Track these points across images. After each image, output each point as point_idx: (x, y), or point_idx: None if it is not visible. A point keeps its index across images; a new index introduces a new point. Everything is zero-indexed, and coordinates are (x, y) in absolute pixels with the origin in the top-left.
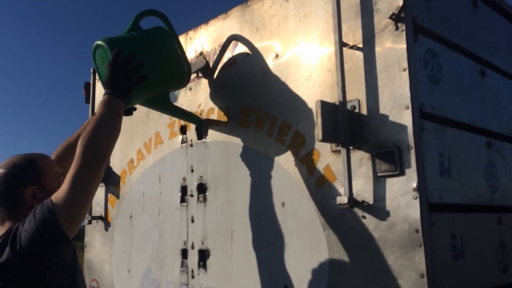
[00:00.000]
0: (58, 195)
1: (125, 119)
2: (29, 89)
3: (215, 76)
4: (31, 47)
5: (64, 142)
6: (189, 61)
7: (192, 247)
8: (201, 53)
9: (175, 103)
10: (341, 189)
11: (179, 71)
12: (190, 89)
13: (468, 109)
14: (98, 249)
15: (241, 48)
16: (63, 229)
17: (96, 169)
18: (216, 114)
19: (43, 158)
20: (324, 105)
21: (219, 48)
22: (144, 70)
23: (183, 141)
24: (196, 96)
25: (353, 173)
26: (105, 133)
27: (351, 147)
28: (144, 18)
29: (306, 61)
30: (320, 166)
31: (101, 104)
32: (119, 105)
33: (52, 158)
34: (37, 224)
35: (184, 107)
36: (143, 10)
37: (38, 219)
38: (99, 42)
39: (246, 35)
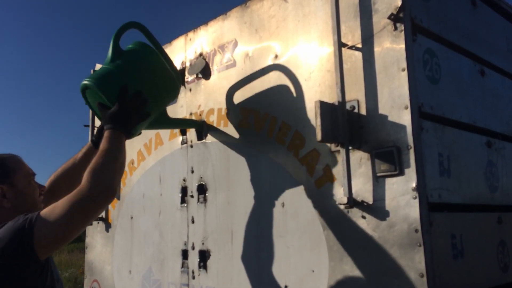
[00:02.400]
0: (49, 215)
1: None
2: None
3: (214, 77)
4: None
5: (62, 167)
6: (191, 62)
7: (193, 248)
8: (200, 54)
9: (174, 104)
10: (341, 189)
11: (172, 85)
12: (190, 90)
13: (467, 109)
14: (99, 250)
15: (240, 49)
16: (33, 247)
17: (103, 203)
18: (216, 115)
19: (13, 157)
20: (323, 105)
21: (219, 49)
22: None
23: (183, 142)
24: (195, 97)
25: (352, 173)
26: (115, 169)
27: (350, 147)
28: (124, 33)
29: (305, 62)
30: (320, 166)
31: (108, 138)
32: (124, 140)
33: (50, 181)
34: (10, 231)
35: (184, 108)
36: (120, 27)
37: (14, 226)
38: (87, 83)
39: (245, 36)
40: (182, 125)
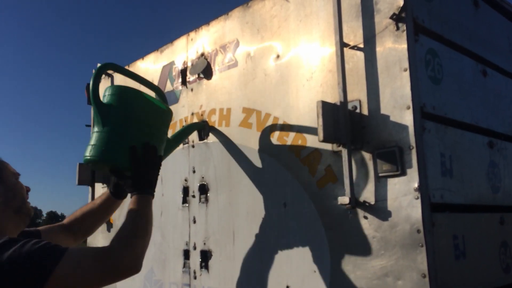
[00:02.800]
0: (77, 259)
1: None
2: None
3: (216, 76)
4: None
5: (80, 209)
6: (192, 62)
7: (194, 248)
8: (202, 54)
9: (176, 104)
10: (343, 189)
11: (164, 114)
12: (192, 90)
13: (469, 109)
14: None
15: (242, 49)
16: (47, 279)
17: (127, 276)
18: (218, 115)
19: None
20: (325, 105)
21: (221, 49)
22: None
23: (184, 142)
24: (197, 97)
25: (354, 174)
26: (145, 241)
27: (352, 148)
28: (99, 84)
29: (307, 62)
30: (322, 166)
31: (136, 203)
32: (151, 202)
33: (70, 219)
34: (34, 256)
35: (186, 108)
36: (92, 82)
37: (41, 252)
38: (92, 159)
39: (247, 36)
40: (186, 134)
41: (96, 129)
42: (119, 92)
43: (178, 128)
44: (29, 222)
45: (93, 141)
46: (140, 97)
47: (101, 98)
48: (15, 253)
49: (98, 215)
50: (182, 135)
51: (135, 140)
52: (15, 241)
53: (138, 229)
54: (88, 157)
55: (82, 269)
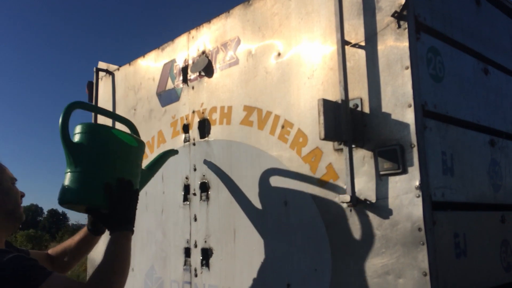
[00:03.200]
0: (57, 284)
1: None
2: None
3: (217, 74)
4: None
5: (62, 245)
6: (193, 60)
7: (195, 246)
8: (203, 52)
9: (177, 102)
10: (344, 187)
11: (138, 146)
12: (193, 88)
13: (471, 107)
14: (101, 247)
15: (243, 47)
16: None
17: None
18: (219, 112)
19: None
20: (326, 103)
21: (222, 47)
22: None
23: (185, 140)
24: (198, 95)
25: (355, 172)
26: (123, 275)
27: (353, 146)
28: (68, 124)
29: (308, 60)
30: (323, 164)
31: (115, 241)
32: (131, 237)
33: (51, 253)
34: (13, 273)
35: (187, 106)
36: (61, 123)
37: (19, 270)
38: (68, 199)
39: (248, 33)
40: (160, 164)
41: (68, 169)
42: (89, 130)
43: (179, 125)
44: (19, 226)
45: (66, 182)
46: (111, 134)
47: (72, 136)
48: (3, 265)
49: (76, 252)
50: (157, 165)
51: (108, 177)
52: (5, 252)
53: (115, 267)
54: (63, 200)
55: None
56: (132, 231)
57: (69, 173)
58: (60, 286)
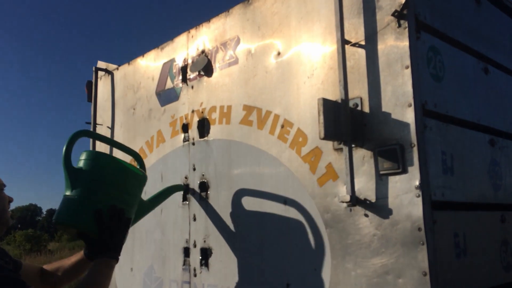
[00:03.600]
0: None
1: (127, 118)
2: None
3: (217, 74)
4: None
5: (57, 263)
6: (193, 59)
7: (194, 246)
8: (203, 51)
9: (176, 102)
10: (343, 187)
11: (138, 178)
12: (192, 87)
13: (471, 107)
14: None
15: (243, 46)
16: None
17: None
18: (218, 112)
19: None
20: (326, 103)
21: (221, 46)
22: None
23: (185, 140)
24: (197, 95)
25: (355, 171)
26: None
27: (353, 145)
28: (71, 151)
29: (308, 59)
30: (322, 164)
31: (97, 267)
32: (114, 265)
33: (45, 268)
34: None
35: (186, 105)
36: (65, 148)
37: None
38: (62, 221)
39: (248, 33)
40: (163, 198)
41: (66, 192)
42: (91, 157)
43: (178, 124)
44: (5, 230)
45: (61, 204)
46: (112, 162)
47: (77, 162)
48: None
49: (70, 272)
50: (159, 198)
51: (102, 204)
52: None
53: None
54: (56, 221)
55: None
56: (116, 260)
57: (65, 197)
58: None
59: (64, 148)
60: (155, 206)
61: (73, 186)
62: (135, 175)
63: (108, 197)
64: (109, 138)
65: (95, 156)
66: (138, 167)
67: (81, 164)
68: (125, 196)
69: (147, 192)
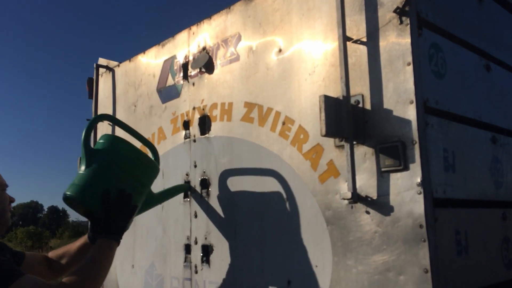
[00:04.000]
0: (31, 281)
1: (128, 115)
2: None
3: (218, 71)
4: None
5: (61, 249)
6: (194, 56)
7: (196, 243)
8: (204, 48)
9: (177, 99)
10: (345, 184)
11: (150, 167)
12: (193, 84)
13: (473, 104)
14: None
15: (244, 43)
16: None
17: None
18: (219, 109)
19: None
20: (327, 99)
21: (222, 43)
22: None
23: (186, 137)
24: (199, 91)
25: (356, 168)
26: (100, 280)
27: (354, 142)
28: (92, 131)
29: (309, 56)
30: (324, 161)
31: (99, 247)
32: (116, 248)
33: (50, 256)
34: None
35: (187, 102)
36: (86, 127)
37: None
38: (70, 195)
39: (249, 30)
40: (170, 195)
41: (81, 169)
42: (109, 140)
43: (179, 121)
44: (5, 230)
45: (75, 180)
46: (128, 148)
47: (96, 144)
48: None
49: (75, 257)
50: (167, 194)
51: (111, 185)
52: None
53: (91, 273)
54: (66, 195)
55: None
56: (118, 243)
57: (80, 173)
58: (28, 286)
59: (85, 128)
60: (162, 201)
61: (87, 164)
62: (149, 165)
63: (119, 180)
64: (129, 126)
65: (113, 140)
66: (152, 158)
67: (99, 145)
68: (136, 184)
69: None
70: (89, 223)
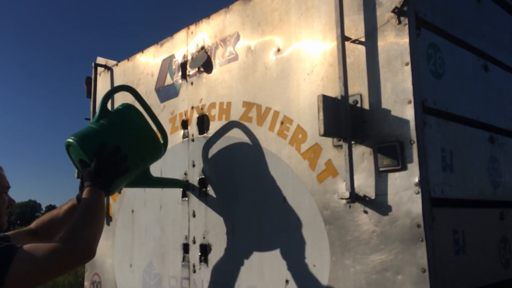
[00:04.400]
0: (30, 253)
1: None
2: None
3: (216, 70)
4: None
5: (48, 214)
6: (192, 56)
7: (194, 242)
8: (202, 48)
9: (176, 98)
10: (343, 183)
11: (156, 147)
12: (192, 83)
13: (471, 104)
14: (99, 243)
15: (243, 43)
16: (4, 277)
17: (80, 260)
18: (218, 108)
19: None
20: (325, 99)
21: (221, 43)
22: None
23: (184, 136)
24: (197, 91)
25: (355, 168)
26: (94, 227)
27: (353, 142)
28: (111, 96)
29: (308, 56)
30: (322, 161)
31: (86, 195)
32: (103, 197)
33: (37, 223)
34: None
35: (186, 101)
36: (109, 90)
37: None
38: (70, 141)
39: (247, 29)
40: (166, 184)
41: (90, 122)
42: (126, 105)
43: (177, 121)
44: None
45: (81, 130)
46: (140, 119)
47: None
48: None
49: (63, 221)
50: (163, 182)
51: (110, 141)
52: None
53: (88, 218)
54: (69, 139)
55: (37, 260)
56: (105, 192)
57: (88, 125)
58: (31, 255)
59: (107, 92)
60: (157, 186)
61: (97, 119)
62: (153, 143)
63: (119, 140)
64: (147, 105)
65: (128, 106)
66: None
67: (116, 108)
68: (136, 153)
69: (146, 189)
70: (80, 189)
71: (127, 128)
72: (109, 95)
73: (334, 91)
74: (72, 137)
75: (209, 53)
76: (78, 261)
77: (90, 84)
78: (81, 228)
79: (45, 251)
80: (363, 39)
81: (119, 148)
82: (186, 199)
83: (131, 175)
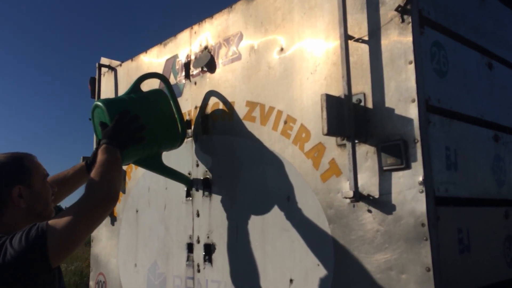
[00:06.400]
0: (57, 223)
1: None
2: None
3: (220, 70)
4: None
5: (53, 176)
6: (196, 55)
7: (198, 241)
8: (205, 47)
9: (179, 98)
10: (347, 183)
11: (174, 134)
12: (195, 83)
13: (475, 102)
14: (104, 243)
15: (246, 42)
16: (48, 256)
17: (108, 206)
18: (221, 108)
19: (30, 157)
20: (329, 98)
21: (224, 42)
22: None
23: (188, 136)
24: (200, 90)
25: (358, 167)
26: (114, 177)
27: (356, 141)
28: (145, 80)
29: (311, 55)
30: (326, 160)
31: (102, 152)
32: (119, 155)
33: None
34: (25, 245)
35: (189, 101)
36: (144, 74)
37: (29, 240)
38: (98, 103)
39: (250, 28)
40: (172, 176)
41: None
42: (157, 89)
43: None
44: None
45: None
46: (167, 105)
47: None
48: (9, 256)
49: (69, 184)
50: (171, 172)
51: (133, 113)
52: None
53: (108, 169)
54: (97, 102)
55: (71, 227)
56: (120, 150)
57: (121, 96)
58: (62, 226)
59: (141, 76)
60: (163, 173)
61: (127, 93)
62: (172, 131)
63: (142, 113)
64: (176, 97)
65: (158, 90)
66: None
67: (149, 90)
68: (152, 131)
69: (151, 188)
70: (92, 154)
71: (152, 107)
72: (144, 77)
73: (338, 90)
74: (101, 101)
75: (212, 53)
76: (105, 208)
77: (94, 84)
78: (102, 178)
79: (72, 213)
80: (366, 38)
81: (140, 118)
82: (190, 198)
83: (144, 150)
